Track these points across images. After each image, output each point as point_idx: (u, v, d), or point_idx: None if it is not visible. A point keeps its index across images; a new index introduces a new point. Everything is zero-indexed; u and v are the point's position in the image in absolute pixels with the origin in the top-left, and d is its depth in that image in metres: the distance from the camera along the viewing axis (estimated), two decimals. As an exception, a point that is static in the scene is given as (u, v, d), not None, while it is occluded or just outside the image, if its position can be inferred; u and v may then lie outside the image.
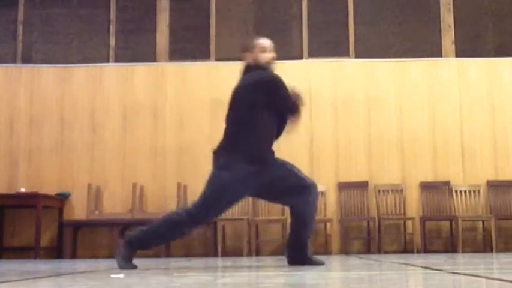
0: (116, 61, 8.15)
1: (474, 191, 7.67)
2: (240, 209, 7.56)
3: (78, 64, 8.10)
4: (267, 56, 4.00)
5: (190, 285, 2.28)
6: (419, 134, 7.83)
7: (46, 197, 7.40)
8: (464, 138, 7.82)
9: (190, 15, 8.31)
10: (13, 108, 7.99)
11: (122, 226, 7.46)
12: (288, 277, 2.76)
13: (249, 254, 7.29)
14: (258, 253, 7.48)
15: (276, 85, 3.89)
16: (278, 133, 4.02)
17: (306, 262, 3.93)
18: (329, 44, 8.20)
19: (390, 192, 7.69)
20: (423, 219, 7.48)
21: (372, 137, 7.83)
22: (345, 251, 7.43)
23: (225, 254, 7.40)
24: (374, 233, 7.52)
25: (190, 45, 8.23)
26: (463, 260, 4.50)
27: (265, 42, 4.09)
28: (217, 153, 3.85)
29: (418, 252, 7.36)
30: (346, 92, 7.94)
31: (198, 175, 7.64)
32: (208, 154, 7.70)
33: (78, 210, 7.71)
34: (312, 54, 8.14)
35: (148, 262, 5.22)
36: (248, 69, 3.98)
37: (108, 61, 8.15)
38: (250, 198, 7.61)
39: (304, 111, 7.95)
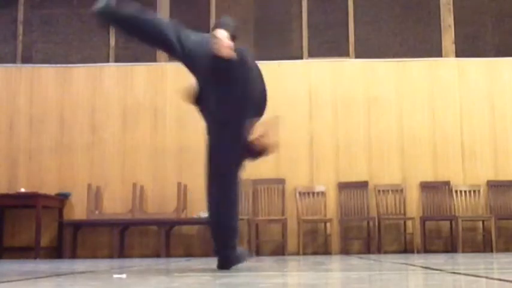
0: (116, 61, 8.15)
1: (474, 191, 7.66)
2: (240, 209, 7.54)
3: (78, 64, 8.10)
4: None
5: (190, 285, 2.28)
6: (419, 134, 7.82)
7: (46, 197, 7.40)
8: (464, 138, 7.82)
9: (190, 15, 8.31)
10: (13, 108, 7.98)
11: (122, 226, 7.46)
12: (288, 277, 2.76)
13: (249, 254, 7.28)
14: (258, 253, 7.48)
15: None
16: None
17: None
18: (329, 44, 8.20)
19: (390, 192, 7.68)
20: (423, 219, 7.48)
21: (372, 137, 7.83)
22: (345, 251, 7.42)
23: (225, 254, 7.39)
24: (374, 233, 7.52)
25: (190, 45, 8.22)
26: (463, 260, 4.50)
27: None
28: None
29: (418, 252, 7.36)
30: (346, 92, 7.94)
31: (198, 175, 7.60)
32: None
33: (78, 210, 7.71)
34: (312, 54, 8.13)
35: (148, 262, 5.22)
36: None
37: (108, 61, 8.15)
38: (251, 199, 7.62)
39: (305, 111, 8.01)
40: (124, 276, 2.92)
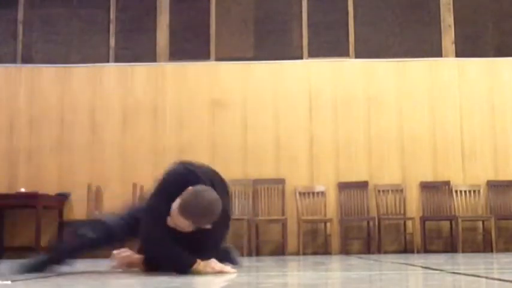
0: (116, 61, 8.15)
1: (474, 191, 7.66)
2: (240, 209, 7.56)
3: (78, 64, 8.09)
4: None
5: (190, 285, 2.28)
6: (419, 134, 7.83)
7: (46, 197, 7.40)
8: (464, 138, 7.82)
9: (190, 15, 8.31)
10: (13, 108, 7.98)
11: (122, 226, 7.45)
12: (288, 277, 2.76)
13: (249, 254, 7.28)
14: (258, 253, 7.48)
15: None
16: None
17: None
18: (329, 44, 8.19)
19: (390, 192, 7.68)
20: (423, 219, 7.48)
21: (372, 137, 7.83)
22: (345, 251, 7.43)
23: (225, 254, 7.39)
24: (374, 233, 7.52)
25: (190, 45, 8.23)
26: (463, 260, 4.50)
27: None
28: None
29: (418, 252, 7.36)
30: (346, 92, 7.94)
31: (198, 175, 7.63)
32: (208, 154, 7.75)
33: (78, 210, 7.71)
34: (312, 54, 8.14)
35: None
36: None
37: (108, 61, 8.15)
38: (251, 199, 7.63)
39: (305, 111, 8.01)
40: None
